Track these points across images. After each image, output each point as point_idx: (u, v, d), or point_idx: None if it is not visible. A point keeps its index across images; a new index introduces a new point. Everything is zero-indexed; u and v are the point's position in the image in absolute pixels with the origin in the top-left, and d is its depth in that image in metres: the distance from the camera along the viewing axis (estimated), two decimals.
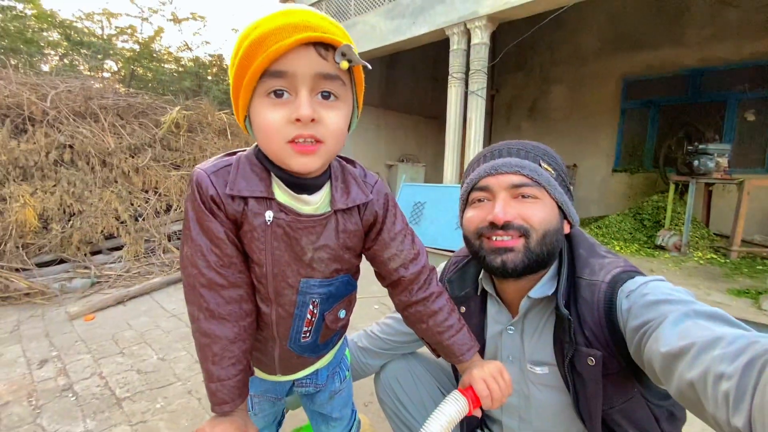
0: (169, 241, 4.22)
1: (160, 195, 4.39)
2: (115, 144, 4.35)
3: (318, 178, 0.64)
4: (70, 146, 4.07)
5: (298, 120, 0.53)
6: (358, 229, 0.70)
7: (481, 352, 0.87)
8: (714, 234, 5.16)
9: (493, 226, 0.75)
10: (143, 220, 4.10)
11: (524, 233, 0.74)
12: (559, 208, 0.77)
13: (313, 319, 0.72)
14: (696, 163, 4.41)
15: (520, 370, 0.82)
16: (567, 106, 7.36)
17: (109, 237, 3.87)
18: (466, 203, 0.84)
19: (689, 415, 0.78)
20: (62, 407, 1.75)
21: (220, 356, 0.62)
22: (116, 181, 4.18)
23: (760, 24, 5.20)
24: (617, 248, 4.84)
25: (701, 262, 4.31)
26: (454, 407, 0.65)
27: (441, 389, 1.08)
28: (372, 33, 5.62)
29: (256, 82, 0.53)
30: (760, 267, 4.03)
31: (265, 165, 0.63)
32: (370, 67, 0.56)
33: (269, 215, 0.62)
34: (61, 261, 3.56)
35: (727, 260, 4.30)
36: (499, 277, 0.79)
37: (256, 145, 0.65)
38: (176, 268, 3.84)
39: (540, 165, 0.77)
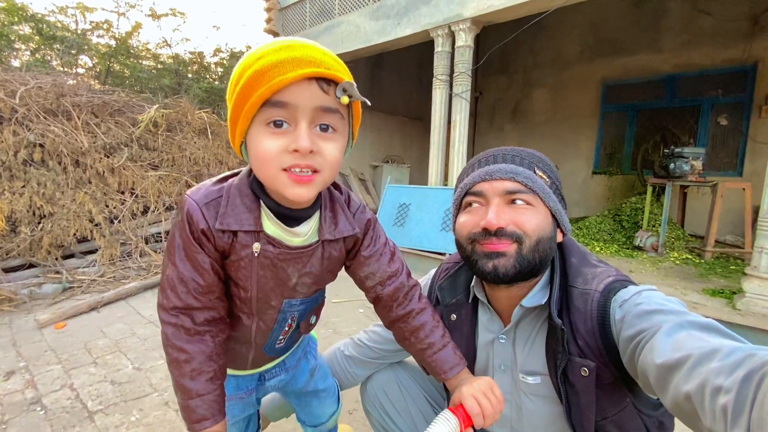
0: (147, 243, 4.09)
1: (137, 196, 4.25)
2: (89, 143, 4.19)
3: (308, 208, 0.66)
4: (41, 145, 3.90)
5: (296, 151, 0.55)
6: (341, 255, 0.74)
7: (473, 361, 0.87)
8: (689, 235, 5.32)
9: (486, 232, 0.74)
10: (119, 222, 3.96)
11: (517, 239, 0.73)
12: (553, 216, 0.77)
13: (290, 329, 0.77)
14: (672, 166, 4.53)
15: (512, 379, 0.82)
16: (549, 109, 7.48)
17: (83, 240, 3.72)
18: (459, 208, 0.83)
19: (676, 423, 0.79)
20: (30, 422, 1.66)
21: (198, 371, 0.63)
22: (90, 182, 4.03)
23: (733, 32, 5.39)
24: (597, 249, 4.94)
25: (677, 262, 4.43)
26: (445, 428, 0.63)
27: (429, 400, 1.06)
28: (357, 33, 5.58)
29: (257, 111, 0.54)
30: (733, 267, 4.17)
31: (257, 194, 0.64)
32: (369, 103, 0.59)
33: (257, 247, 0.64)
34: (31, 266, 3.40)
35: (702, 260, 4.43)
36: (491, 282, 0.78)
37: (249, 171, 0.66)
38: (154, 272, 3.72)
39: (535, 172, 0.76)
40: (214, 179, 0.68)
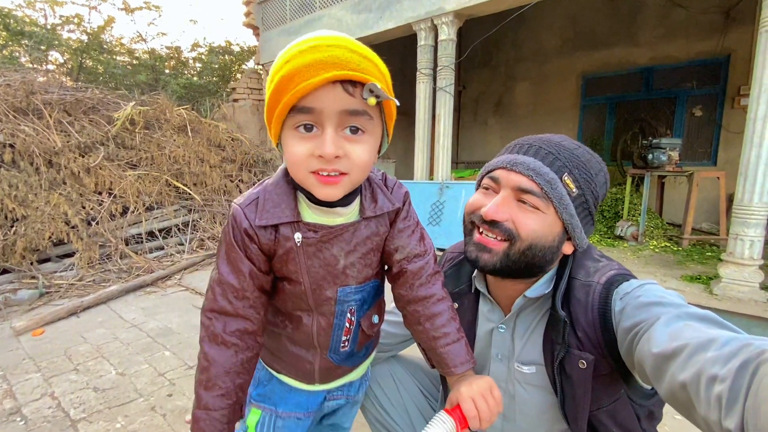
0: (127, 245, 3.98)
1: (115, 197, 4.13)
2: (63, 142, 4.04)
3: (349, 196, 0.65)
4: (11, 145, 3.74)
5: (321, 156, 0.55)
6: (387, 230, 0.74)
7: (471, 349, 0.87)
8: (667, 223, 5.47)
9: (483, 218, 0.74)
10: (97, 224, 3.83)
11: (509, 238, 0.72)
12: (565, 228, 0.74)
13: (351, 327, 0.75)
14: (650, 156, 4.65)
15: (508, 368, 0.82)
16: (531, 103, 7.56)
17: (59, 243, 3.59)
18: (479, 183, 0.83)
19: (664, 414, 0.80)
20: None
21: (213, 383, 0.64)
22: (65, 183, 3.89)
23: (706, 25, 5.53)
24: None
25: (656, 250, 4.56)
26: (441, 429, 0.63)
27: (424, 393, 1.06)
28: (338, 27, 5.52)
29: (286, 115, 0.55)
30: (709, 254, 4.31)
31: (295, 186, 0.66)
32: (398, 103, 0.57)
33: (298, 237, 0.65)
34: (5, 271, 3.27)
35: (680, 248, 4.57)
36: (474, 268, 0.79)
37: (285, 167, 0.67)
38: (135, 274, 3.62)
39: (562, 178, 0.72)
40: (258, 183, 0.71)
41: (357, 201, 0.69)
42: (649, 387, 0.74)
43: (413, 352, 0.90)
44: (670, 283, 3.39)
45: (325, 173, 0.56)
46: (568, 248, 0.76)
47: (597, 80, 6.74)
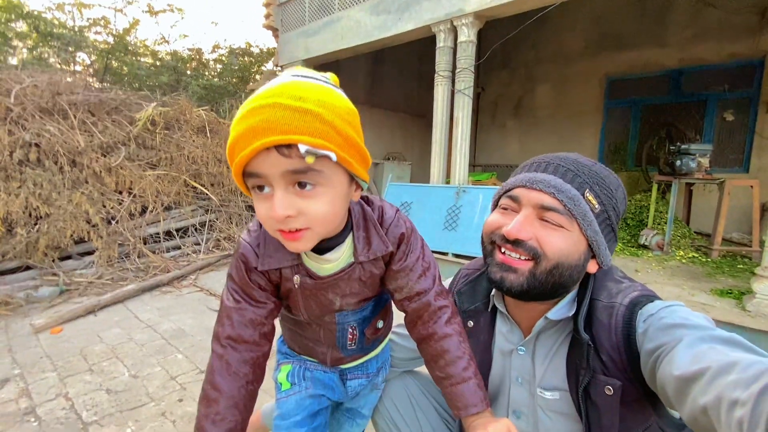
0: (145, 244, 4.04)
1: (134, 196, 4.19)
2: (86, 142, 4.12)
3: (338, 236, 0.68)
4: (36, 145, 3.84)
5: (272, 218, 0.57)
6: (381, 271, 0.76)
7: (487, 371, 0.85)
8: (695, 233, 5.25)
9: (505, 238, 0.73)
10: (116, 222, 3.90)
11: (534, 257, 0.70)
12: (590, 245, 0.71)
13: (355, 335, 0.81)
14: (678, 163, 4.46)
15: (530, 393, 0.80)
16: (551, 105, 7.39)
17: (80, 241, 3.66)
18: (496, 204, 0.81)
19: None
20: None
21: (222, 417, 0.66)
22: (87, 182, 3.97)
23: (739, 26, 5.29)
24: None
25: (684, 261, 4.36)
26: None
27: (439, 412, 1.02)
28: (357, 29, 5.49)
29: (242, 179, 0.57)
30: (741, 266, 4.10)
31: None
32: (335, 158, 0.53)
33: (297, 280, 0.71)
34: (27, 268, 3.35)
35: (709, 259, 4.36)
36: (498, 290, 0.78)
37: None
38: (152, 273, 3.67)
39: (584, 195, 0.70)
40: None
41: (347, 244, 0.70)
42: (678, 415, 0.70)
43: None
44: (699, 297, 3.23)
45: (286, 230, 0.57)
46: (592, 267, 0.74)
47: (622, 82, 6.53)
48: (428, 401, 1.02)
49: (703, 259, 4.36)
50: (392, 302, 0.86)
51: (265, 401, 1.13)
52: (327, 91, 0.54)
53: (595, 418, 0.69)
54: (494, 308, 0.86)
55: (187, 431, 1.63)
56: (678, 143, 4.74)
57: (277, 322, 0.80)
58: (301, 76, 0.56)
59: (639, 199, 5.46)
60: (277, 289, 0.73)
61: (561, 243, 0.69)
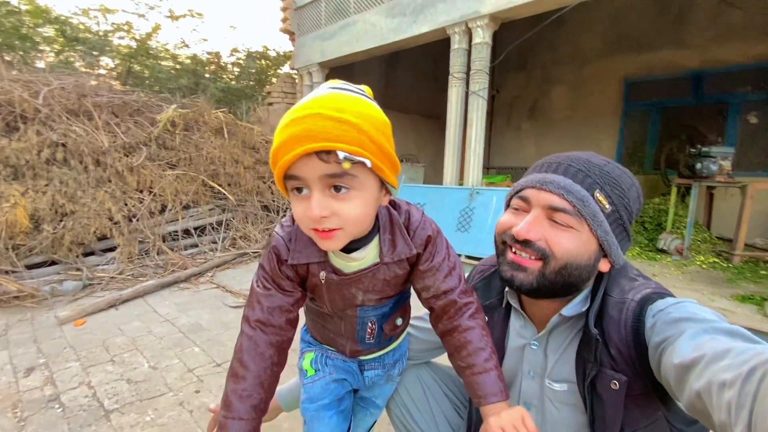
0: (164, 242, 4.15)
1: (154, 195, 4.31)
2: (109, 143, 4.26)
3: (365, 237, 0.72)
4: (63, 145, 3.99)
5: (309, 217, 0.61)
6: (404, 271, 0.80)
7: (501, 365, 0.87)
8: (716, 238, 5.11)
9: (515, 238, 0.74)
10: (137, 220, 4.02)
11: (543, 257, 0.71)
12: (600, 245, 0.72)
13: (373, 329, 0.86)
14: (698, 166, 4.36)
15: (540, 386, 0.82)
16: (568, 107, 7.30)
17: (102, 238, 3.79)
18: (508, 204, 0.83)
19: None
20: (48, 420, 1.68)
21: (248, 393, 0.71)
22: (110, 181, 4.10)
23: (764, 26, 5.15)
24: None
25: (704, 266, 4.26)
26: None
27: (453, 402, 1.06)
28: (372, 31, 5.55)
29: (283, 181, 0.62)
30: (764, 272, 3.98)
31: None
32: (369, 165, 0.58)
33: (322, 276, 0.76)
34: (53, 263, 3.48)
35: (730, 264, 4.25)
36: (509, 287, 0.80)
37: None
38: (171, 270, 3.76)
39: (594, 195, 0.71)
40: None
41: (373, 245, 0.75)
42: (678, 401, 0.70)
43: (445, 360, 0.90)
44: (719, 303, 3.15)
45: (320, 229, 0.62)
46: (604, 266, 0.75)
47: (641, 84, 6.42)
48: (441, 390, 1.05)
49: (724, 265, 4.25)
50: (409, 301, 0.92)
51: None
52: (364, 104, 0.59)
53: (599, 410, 0.70)
54: (508, 304, 0.88)
55: (204, 421, 1.68)
56: (698, 146, 4.64)
57: (301, 311, 0.84)
58: (339, 88, 0.61)
59: (657, 202, 5.35)
60: (302, 283, 0.78)
61: (569, 244, 0.70)
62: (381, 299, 0.82)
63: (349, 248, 0.71)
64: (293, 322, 0.79)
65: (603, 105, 6.81)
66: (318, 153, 0.56)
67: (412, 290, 0.89)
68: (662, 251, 4.68)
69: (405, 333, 0.99)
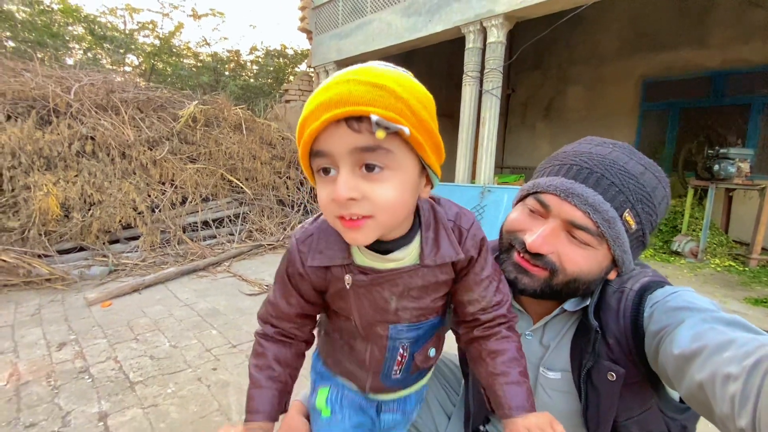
0: (184, 232, 4.32)
1: (176, 187, 4.49)
2: (135, 136, 4.46)
3: (405, 237, 0.62)
4: (92, 138, 4.20)
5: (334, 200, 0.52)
6: (448, 278, 0.68)
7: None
8: (734, 241, 5.02)
9: (525, 246, 0.69)
10: (159, 211, 4.20)
11: (551, 270, 0.68)
12: (614, 260, 0.70)
13: (404, 360, 0.73)
14: (716, 167, 4.30)
15: (534, 375, 0.80)
16: (584, 107, 7.24)
17: (127, 227, 3.98)
18: (523, 198, 0.76)
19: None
20: (79, 388, 1.83)
21: (265, 365, 0.70)
22: (135, 173, 4.30)
23: None
24: None
25: (718, 269, 4.20)
26: None
27: (443, 385, 1.05)
28: (388, 31, 5.63)
29: (309, 161, 0.54)
30: None
31: None
32: (408, 132, 0.49)
33: (348, 279, 0.65)
34: (81, 249, 3.68)
35: (746, 268, 4.18)
36: (511, 287, 0.75)
37: None
38: (190, 259, 3.93)
39: (622, 216, 0.65)
40: (317, 215, 0.69)
41: (415, 245, 0.64)
42: (678, 398, 0.72)
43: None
44: (731, 305, 3.13)
45: (347, 217, 0.52)
46: (612, 275, 0.72)
47: (659, 84, 6.32)
48: (432, 375, 1.02)
49: (740, 268, 4.19)
50: (444, 329, 0.80)
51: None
52: (405, 77, 0.52)
53: (593, 399, 0.69)
54: None
55: (221, 395, 1.80)
56: (716, 147, 4.57)
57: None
58: (380, 64, 0.54)
59: (674, 204, 5.28)
60: (321, 296, 0.71)
61: (583, 262, 0.66)
62: (418, 316, 0.70)
63: (386, 248, 0.62)
64: (310, 334, 0.75)
65: (620, 105, 6.74)
66: (348, 121, 0.48)
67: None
68: (676, 253, 4.64)
69: (430, 373, 0.86)
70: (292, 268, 0.67)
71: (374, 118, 0.46)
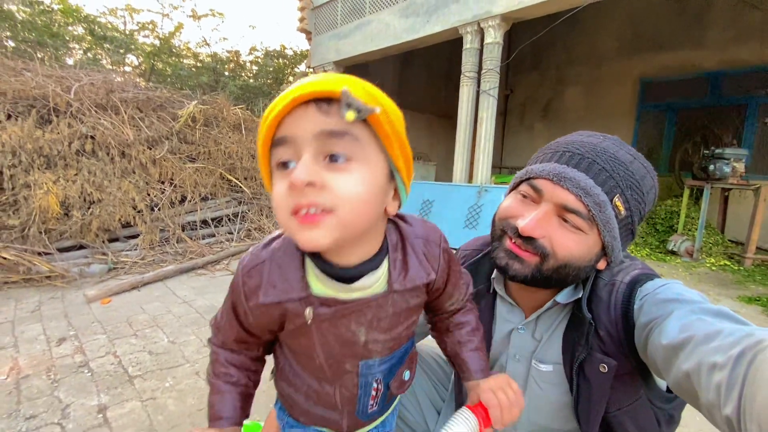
0: (183, 231, 4.35)
1: (175, 186, 4.52)
2: (134, 136, 4.49)
3: (371, 261, 0.56)
4: (92, 137, 4.22)
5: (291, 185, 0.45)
6: (420, 301, 0.64)
7: (487, 350, 0.86)
8: (729, 241, 5.06)
9: (517, 231, 0.70)
10: (159, 210, 4.23)
11: (542, 255, 0.69)
12: (604, 247, 0.71)
13: (378, 393, 0.68)
14: (711, 167, 4.34)
15: (526, 368, 0.82)
16: (582, 108, 7.28)
17: (126, 225, 4.01)
18: (516, 186, 0.77)
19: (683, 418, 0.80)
20: (78, 382, 1.85)
21: (224, 372, 0.65)
22: (134, 172, 4.32)
23: None
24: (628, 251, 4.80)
25: (713, 268, 4.24)
26: (464, 427, 0.61)
27: (432, 380, 1.05)
28: (386, 31, 5.66)
29: (269, 155, 0.49)
30: None
31: (303, 253, 0.57)
32: (378, 111, 0.45)
33: (308, 313, 0.56)
34: (81, 247, 3.70)
35: (741, 267, 4.22)
36: (502, 274, 0.76)
37: None
38: (189, 257, 3.96)
39: (612, 201, 0.67)
40: (269, 237, 0.61)
41: (383, 270, 0.57)
42: (665, 389, 0.74)
43: (428, 341, 0.91)
44: (725, 303, 3.16)
45: (303, 210, 0.45)
46: (602, 264, 0.73)
47: (656, 85, 6.37)
48: (422, 369, 1.04)
49: (735, 267, 4.22)
50: (415, 346, 0.77)
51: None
52: (378, 90, 0.49)
53: (585, 391, 0.71)
54: (495, 290, 0.86)
55: None
56: (712, 147, 4.61)
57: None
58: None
59: (670, 204, 5.32)
60: (274, 333, 0.64)
61: (574, 246, 0.68)
62: (391, 347, 0.65)
63: (351, 276, 0.55)
64: (261, 361, 0.70)
65: (617, 105, 6.78)
66: (318, 102, 0.44)
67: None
68: (672, 253, 4.67)
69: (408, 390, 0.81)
70: (239, 302, 0.58)
71: (345, 90, 0.42)
